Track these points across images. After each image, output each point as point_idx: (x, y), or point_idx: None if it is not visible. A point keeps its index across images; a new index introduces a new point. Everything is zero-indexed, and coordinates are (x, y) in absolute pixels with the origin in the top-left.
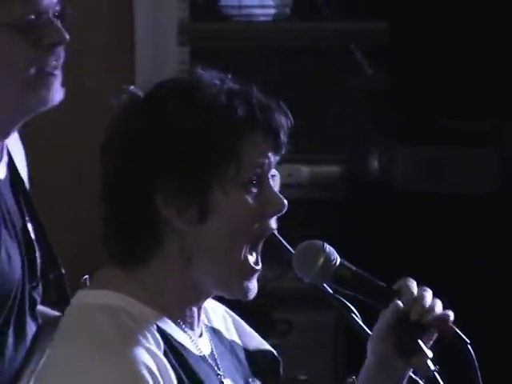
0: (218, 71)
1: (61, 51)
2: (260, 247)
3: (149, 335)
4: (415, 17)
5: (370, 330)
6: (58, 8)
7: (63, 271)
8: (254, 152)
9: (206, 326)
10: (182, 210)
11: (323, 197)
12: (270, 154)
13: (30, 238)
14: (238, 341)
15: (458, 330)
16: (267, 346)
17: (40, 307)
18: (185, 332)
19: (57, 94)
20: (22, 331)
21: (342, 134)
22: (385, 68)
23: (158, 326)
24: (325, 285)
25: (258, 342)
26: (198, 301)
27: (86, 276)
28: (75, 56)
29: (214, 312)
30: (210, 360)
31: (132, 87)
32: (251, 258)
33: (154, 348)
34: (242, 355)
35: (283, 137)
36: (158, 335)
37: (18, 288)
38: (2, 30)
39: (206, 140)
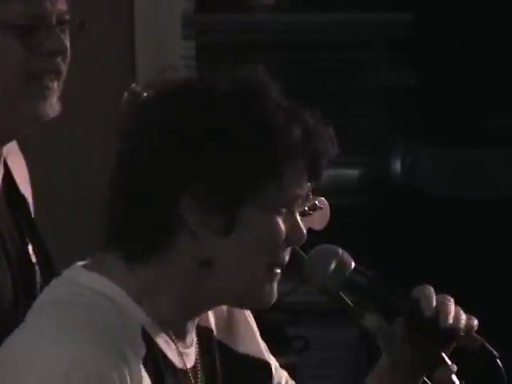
0: (226, 68)
1: (60, 63)
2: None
3: (129, 336)
4: (439, 7)
5: None
6: (65, 16)
7: None
8: (294, 180)
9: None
10: (207, 218)
11: (342, 203)
12: (307, 185)
13: (30, 261)
14: (225, 341)
15: (485, 343)
16: (263, 356)
17: None
18: (173, 341)
19: (51, 108)
20: None
21: (362, 134)
22: (407, 63)
23: (143, 329)
24: (346, 298)
25: (252, 347)
26: (198, 313)
27: None
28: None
29: None
30: (190, 374)
31: (134, 84)
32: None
33: (129, 353)
34: (227, 358)
35: (324, 166)
36: (140, 339)
37: (5, 320)
38: None
39: (255, 155)
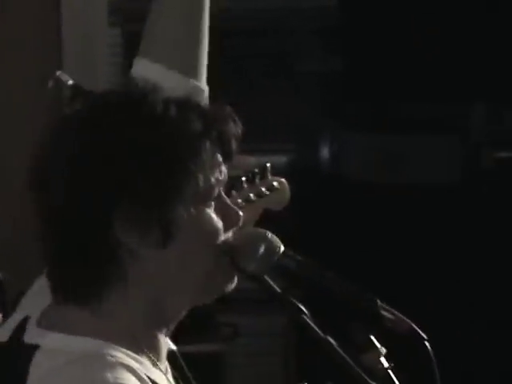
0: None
1: None
2: None
3: None
4: None
5: (324, 333)
6: None
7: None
8: (210, 166)
9: None
10: (144, 234)
11: None
12: (223, 167)
13: None
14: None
15: (414, 326)
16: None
17: None
18: (163, 373)
19: None
20: None
21: (289, 120)
22: (335, 49)
23: (148, 377)
24: (273, 285)
25: None
26: (169, 323)
27: None
28: None
29: None
30: None
31: (59, 72)
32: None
33: None
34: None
35: (235, 146)
36: None
37: None
38: None
39: (163, 157)
